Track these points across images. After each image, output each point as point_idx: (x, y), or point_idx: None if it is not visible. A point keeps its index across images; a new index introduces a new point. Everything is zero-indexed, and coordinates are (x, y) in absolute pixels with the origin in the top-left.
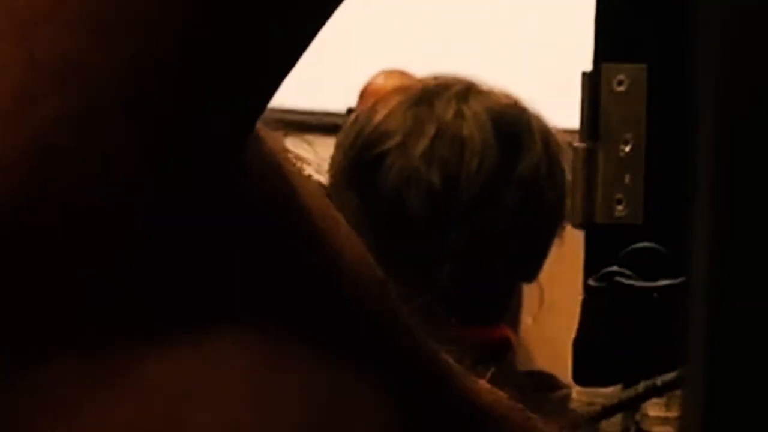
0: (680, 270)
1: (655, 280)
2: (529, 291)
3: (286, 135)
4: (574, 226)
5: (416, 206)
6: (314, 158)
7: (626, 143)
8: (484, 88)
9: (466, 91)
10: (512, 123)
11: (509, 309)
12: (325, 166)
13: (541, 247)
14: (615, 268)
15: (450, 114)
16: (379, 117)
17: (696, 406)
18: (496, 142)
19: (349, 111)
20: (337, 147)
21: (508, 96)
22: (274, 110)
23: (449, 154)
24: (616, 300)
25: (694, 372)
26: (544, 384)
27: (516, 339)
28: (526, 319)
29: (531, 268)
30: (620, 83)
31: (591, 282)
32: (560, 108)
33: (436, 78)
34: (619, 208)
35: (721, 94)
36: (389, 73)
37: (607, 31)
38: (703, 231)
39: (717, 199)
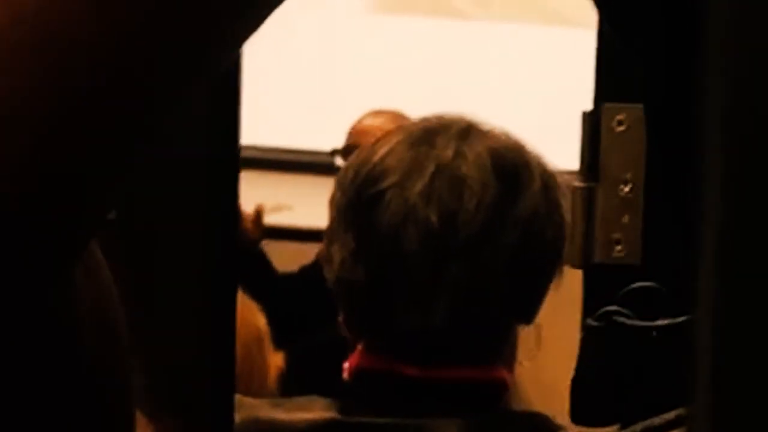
0: (679, 309)
1: (654, 319)
2: (526, 332)
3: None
4: (573, 266)
5: (413, 244)
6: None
7: (625, 183)
8: (485, 128)
9: (466, 130)
10: (512, 163)
11: (506, 351)
12: (310, 205)
13: (540, 287)
14: (614, 307)
15: (450, 153)
16: (379, 155)
17: None
18: (496, 182)
19: (334, 151)
20: (337, 185)
21: (508, 136)
22: (258, 149)
23: (448, 193)
24: (615, 339)
25: (700, 410)
26: (540, 425)
27: (512, 380)
28: (523, 361)
29: (529, 309)
30: (620, 123)
31: (589, 321)
32: (561, 149)
33: (437, 117)
34: (618, 248)
35: (727, 128)
36: (378, 113)
37: (608, 71)
38: (708, 268)
39: (723, 239)
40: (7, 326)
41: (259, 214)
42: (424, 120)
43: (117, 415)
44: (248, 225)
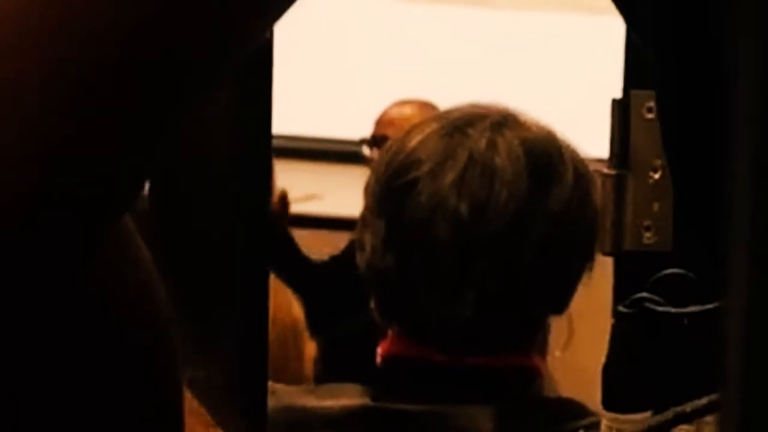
0: (710, 296)
1: (685, 306)
2: (558, 322)
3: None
4: (603, 253)
5: (443, 234)
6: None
7: (655, 170)
8: (520, 118)
9: (501, 121)
10: (545, 155)
11: (539, 340)
12: (339, 194)
13: (570, 278)
14: (644, 294)
15: (483, 144)
16: (412, 144)
17: (732, 426)
18: (528, 174)
19: (362, 141)
20: (371, 172)
21: (542, 128)
22: (287, 138)
23: (479, 183)
24: (646, 326)
25: (730, 396)
26: (572, 411)
27: (545, 367)
28: (555, 350)
29: (560, 301)
30: (650, 110)
31: (620, 308)
32: (590, 137)
33: (472, 106)
34: (648, 235)
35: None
36: (406, 103)
37: (637, 58)
38: (741, 256)
39: (754, 225)
40: (37, 309)
41: (283, 198)
42: (459, 109)
43: (164, 388)
44: (273, 211)
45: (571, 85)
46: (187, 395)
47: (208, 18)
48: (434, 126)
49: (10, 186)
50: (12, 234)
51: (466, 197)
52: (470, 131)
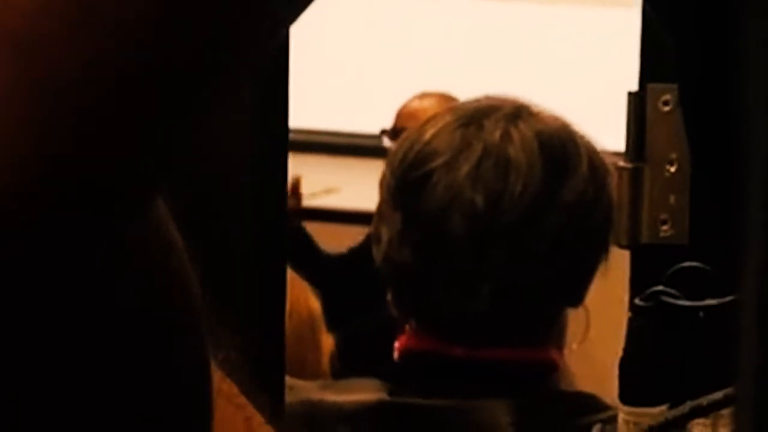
0: (726, 289)
1: (701, 299)
2: (575, 315)
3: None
4: (620, 246)
5: (458, 226)
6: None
7: (672, 163)
8: (535, 110)
9: (516, 113)
10: (560, 147)
11: (556, 333)
12: (357, 187)
13: (586, 271)
14: (661, 287)
15: (497, 135)
16: (427, 136)
17: (747, 420)
18: (542, 166)
19: (383, 132)
20: (387, 165)
21: (557, 119)
22: (306, 132)
23: (494, 175)
24: (663, 319)
25: (745, 388)
26: (589, 405)
27: (561, 361)
28: (571, 343)
29: (575, 293)
30: (666, 103)
31: (637, 302)
32: (607, 129)
33: (486, 98)
34: (664, 228)
35: None
36: (426, 95)
37: (653, 51)
38: (756, 249)
39: None
40: (60, 291)
41: (295, 186)
42: (474, 101)
43: (193, 372)
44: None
45: (588, 78)
46: (218, 376)
47: (239, 14)
48: (449, 118)
49: (40, 179)
50: (42, 222)
51: (482, 189)
52: (485, 123)
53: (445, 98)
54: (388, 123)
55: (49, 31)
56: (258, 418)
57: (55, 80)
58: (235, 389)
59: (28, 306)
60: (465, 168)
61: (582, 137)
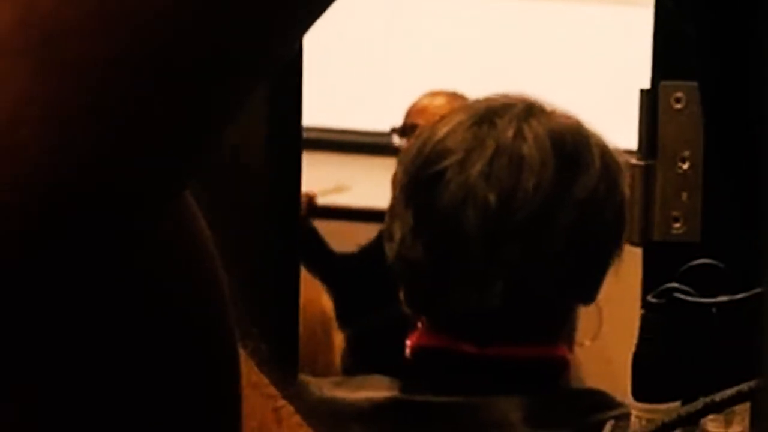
0: (738, 286)
1: (714, 296)
2: (587, 312)
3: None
4: (632, 243)
5: (471, 223)
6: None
7: (684, 161)
8: (547, 108)
9: (528, 111)
10: (572, 144)
11: (567, 331)
12: (368, 185)
13: (598, 268)
14: (673, 284)
15: (510, 133)
16: (440, 134)
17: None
18: (555, 163)
19: (393, 130)
20: (399, 163)
21: (569, 117)
22: (317, 130)
23: (507, 173)
24: (675, 316)
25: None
26: (600, 403)
27: (572, 359)
28: (584, 340)
29: (588, 290)
30: (678, 101)
31: (650, 298)
32: (619, 127)
33: (499, 97)
34: (677, 225)
35: None
36: (436, 93)
37: (665, 49)
38: None
39: None
40: (89, 287)
41: (309, 200)
42: (486, 99)
43: (221, 362)
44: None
45: (600, 76)
46: (248, 367)
47: (265, 13)
48: (462, 117)
49: (61, 173)
50: (67, 221)
51: (494, 187)
52: (498, 121)
53: (455, 96)
54: (397, 121)
55: (75, 21)
56: (288, 408)
57: (78, 66)
58: (265, 380)
59: (57, 302)
60: (478, 166)
61: (594, 135)
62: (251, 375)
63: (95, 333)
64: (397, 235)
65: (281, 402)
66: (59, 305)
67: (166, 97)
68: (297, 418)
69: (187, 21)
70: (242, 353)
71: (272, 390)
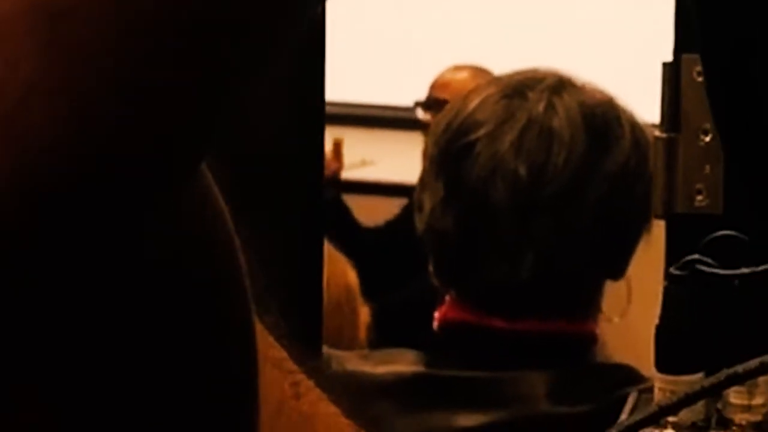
0: (761, 258)
1: (736, 268)
2: (616, 288)
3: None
4: (655, 216)
5: (501, 196)
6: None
7: (706, 133)
8: (577, 82)
9: (559, 84)
10: (603, 119)
11: (595, 306)
12: (392, 160)
13: (628, 243)
14: (696, 256)
15: (541, 106)
16: (471, 107)
17: None
18: (586, 137)
19: (417, 104)
20: (429, 135)
21: (600, 91)
22: (340, 105)
23: (537, 145)
24: (698, 288)
25: None
26: (627, 377)
27: (600, 333)
28: (612, 316)
29: (617, 264)
30: (700, 74)
31: (673, 270)
32: (641, 100)
33: (530, 70)
34: (699, 198)
35: None
36: (460, 68)
37: (687, 21)
38: None
39: None
40: (108, 256)
41: (337, 147)
42: (517, 73)
43: (237, 335)
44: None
45: (622, 49)
46: (266, 342)
47: None
48: (492, 89)
49: (76, 146)
50: (85, 193)
51: (524, 159)
52: (529, 94)
53: (479, 70)
54: (421, 95)
55: (83, 1)
56: (306, 383)
57: (86, 46)
58: (284, 354)
59: (74, 272)
60: (508, 138)
61: (625, 110)
62: (269, 350)
63: (110, 315)
64: (427, 207)
65: (300, 376)
66: (74, 292)
67: (177, 68)
68: (317, 393)
69: None
70: (260, 328)
71: (291, 365)
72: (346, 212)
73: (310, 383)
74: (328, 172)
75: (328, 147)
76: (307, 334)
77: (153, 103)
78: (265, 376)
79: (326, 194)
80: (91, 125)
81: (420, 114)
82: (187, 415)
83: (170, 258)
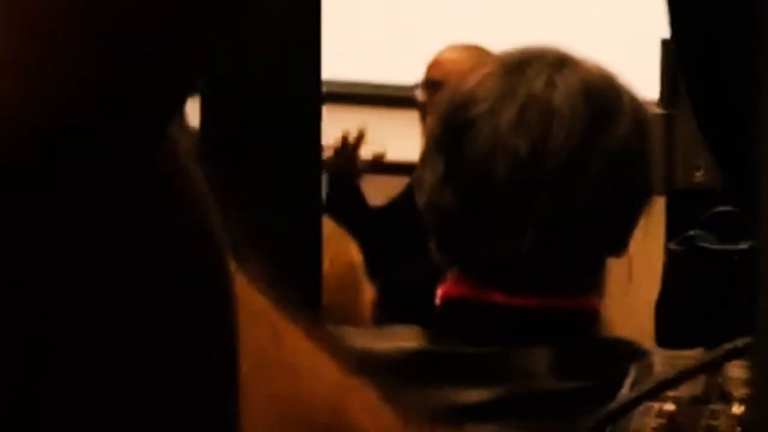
0: None
1: (736, 243)
2: (617, 264)
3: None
4: (655, 192)
5: (501, 172)
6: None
7: None
8: (578, 59)
9: (559, 61)
10: (603, 95)
11: (597, 281)
12: (395, 138)
13: (628, 219)
14: (696, 231)
15: (541, 83)
16: (471, 83)
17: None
18: (586, 114)
19: (416, 85)
20: (432, 112)
21: (601, 68)
22: (342, 84)
23: (537, 122)
24: (698, 263)
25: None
26: (628, 352)
27: (602, 309)
28: (614, 291)
29: (618, 241)
30: None
31: (672, 246)
32: (640, 77)
33: (530, 47)
34: (698, 174)
35: None
36: (459, 48)
37: None
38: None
39: None
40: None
41: (360, 135)
42: (518, 50)
43: (214, 293)
44: (341, 160)
45: (621, 26)
46: (248, 297)
47: None
48: (493, 66)
49: (68, 88)
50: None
51: (525, 135)
52: (529, 71)
53: (477, 50)
54: (421, 74)
55: None
56: (290, 331)
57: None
58: (266, 304)
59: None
60: (508, 114)
61: (625, 87)
62: (249, 303)
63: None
64: (428, 182)
65: (282, 326)
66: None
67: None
68: (301, 341)
69: None
70: (241, 280)
71: (273, 314)
72: (353, 189)
73: (293, 330)
74: (348, 158)
75: (352, 134)
76: (305, 310)
77: (126, 42)
78: (247, 331)
79: (342, 177)
80: (62, 79)
81: (419, 95)
82: (177, 396)
83: (139, 208)
